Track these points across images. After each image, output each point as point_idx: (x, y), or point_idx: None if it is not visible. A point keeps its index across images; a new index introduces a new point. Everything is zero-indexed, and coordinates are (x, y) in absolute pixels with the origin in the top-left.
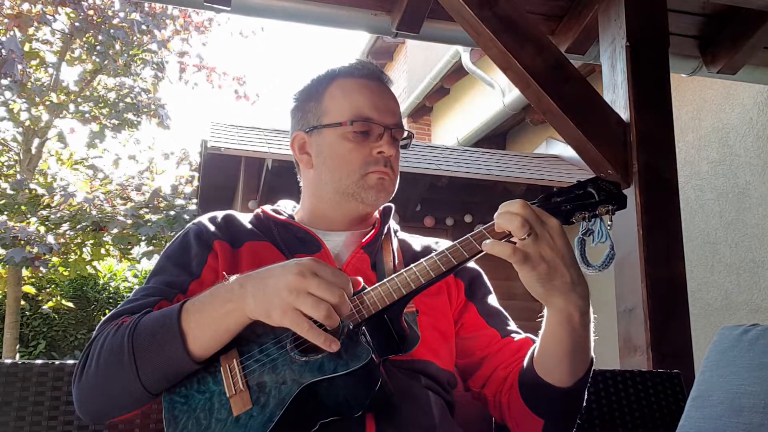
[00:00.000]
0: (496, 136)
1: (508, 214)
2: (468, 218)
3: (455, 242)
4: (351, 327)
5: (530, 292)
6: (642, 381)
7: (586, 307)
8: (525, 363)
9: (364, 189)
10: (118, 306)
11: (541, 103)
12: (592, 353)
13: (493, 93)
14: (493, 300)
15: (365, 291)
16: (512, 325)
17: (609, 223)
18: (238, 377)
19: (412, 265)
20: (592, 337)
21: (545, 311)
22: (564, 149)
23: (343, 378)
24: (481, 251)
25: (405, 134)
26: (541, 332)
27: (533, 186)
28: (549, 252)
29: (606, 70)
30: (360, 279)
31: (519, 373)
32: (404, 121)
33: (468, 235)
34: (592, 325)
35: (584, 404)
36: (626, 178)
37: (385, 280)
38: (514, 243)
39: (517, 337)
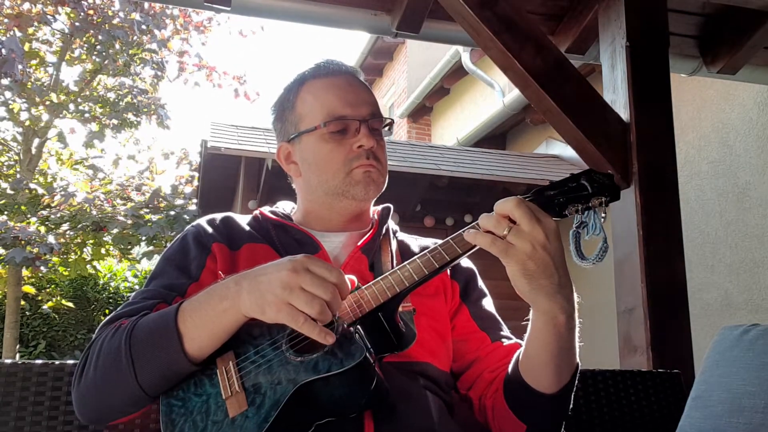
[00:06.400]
0: (496, 136)
1: (486, 215)
2: (468, 218)
3: (448, 239)
4: (345, 326)
5: (515, 289)
6: (642, 381)
7: (571, 310)
8: (510, 367)
9: (351, 185)
10: (117, 309)
11: (541, 103)
12: (578, 359)
13: (493, 93)
14: (487, 303)
15: (359, 289)
16: (505, 330)
17: (603, 215)
18: (234, 379)
19: (405, 263)
20: (578, 343)
21: (531, 314)
22: (564, 149)
23: (338, 377)
24: (474, 246)
25: (384, 121)
26: (526, 335)
27: (533, 186)
28: (541, 251)
29: (606, 70)
30: (354, 278)
31: (504, 377)
32: (382, 109)
33: (460, 231)
34: (577, 329)
35: (570, 411)
36: (626, 178)
37: (378, 278)
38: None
39: (506, 342)
